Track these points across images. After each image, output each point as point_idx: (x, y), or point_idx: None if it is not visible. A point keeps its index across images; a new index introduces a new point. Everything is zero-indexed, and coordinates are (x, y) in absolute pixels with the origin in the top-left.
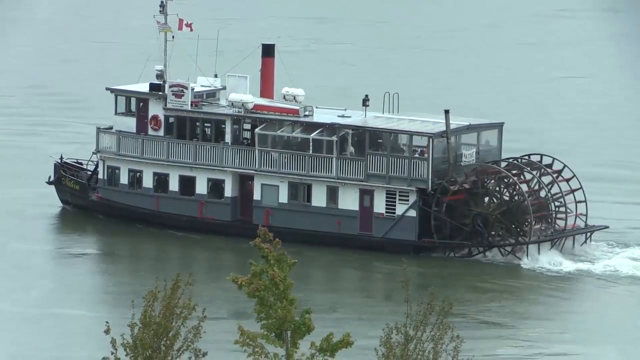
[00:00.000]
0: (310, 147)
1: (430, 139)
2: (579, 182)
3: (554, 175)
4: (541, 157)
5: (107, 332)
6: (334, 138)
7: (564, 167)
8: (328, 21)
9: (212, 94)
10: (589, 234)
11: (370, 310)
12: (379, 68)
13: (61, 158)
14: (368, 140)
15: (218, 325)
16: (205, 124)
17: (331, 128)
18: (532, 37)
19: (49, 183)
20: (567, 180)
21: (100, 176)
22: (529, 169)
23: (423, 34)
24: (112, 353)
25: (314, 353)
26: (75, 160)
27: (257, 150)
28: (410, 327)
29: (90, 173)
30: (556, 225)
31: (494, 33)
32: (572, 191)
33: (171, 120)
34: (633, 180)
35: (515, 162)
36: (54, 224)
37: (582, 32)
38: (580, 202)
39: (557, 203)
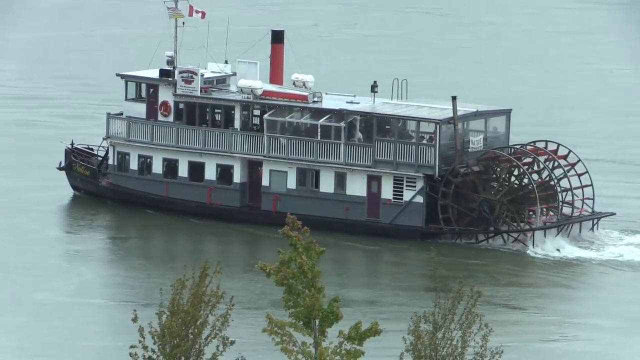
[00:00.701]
0: (319, 133)
1: (438, 125)
2: (585, 166)
3: (560, 161)
4: (546, 144)
5: (134, 320)
6: (342, 124)
7: (569, 152)
8: (365, 9)
9: (222, 80)
10: (595, 221)
11: (383, 296)
12: (406, 56)
13: (72, 144)
14: (376, 127)
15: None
16: (216, 110)
17: (339, 114)
18: (565, 26)
19: (60, 169)
20: (573, 165)
21: (110, 162)
22: (534, 155)
23: (463, 23)
24: (140, 341)
25: (342, 341)
26: (86, 146)
27: (265, 136)
28: (439, 315)
29: (100, 159)
30: (563, 211)
31: (533, 22)
32: (578, 175)
33: (181, 106)
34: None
35: (521, 148)
36: (64, 211)
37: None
38: (586, 186)
39: (563, 189)
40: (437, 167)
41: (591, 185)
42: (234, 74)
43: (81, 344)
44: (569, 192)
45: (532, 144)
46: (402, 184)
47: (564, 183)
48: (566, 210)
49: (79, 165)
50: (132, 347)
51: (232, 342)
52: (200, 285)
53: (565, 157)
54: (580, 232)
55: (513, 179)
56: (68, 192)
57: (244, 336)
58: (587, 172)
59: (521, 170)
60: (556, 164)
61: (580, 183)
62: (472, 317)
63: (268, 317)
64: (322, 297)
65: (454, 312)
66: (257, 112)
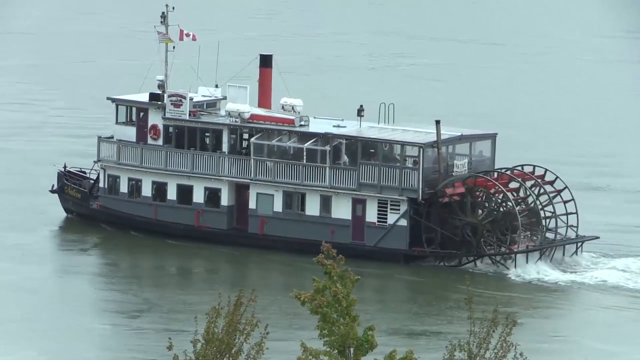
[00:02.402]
0: (304, 157)
1: (421, 149)
2: (571, 193)
3: (545, 186)
4: (534, 168)
5: (169, 348)
6: (327, 148)
7: (556, 179)
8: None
9: (212, 104)
10: (579, 244)
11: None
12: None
13: (65, 167)
14: (360, 150)
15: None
16: (207, 134)
17: (325, 138)
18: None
19: (52, 192)
20: (559, 192)
21: (101, 185)
22: (519, 179)
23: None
24: None
25: None
26: (79, 169)
27: (252, 160)
28: (474, 344)
29: (92, 182)
30: (546, 236)
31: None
32: (564, 202)
33: (171, 129)
34: (625, 190)
35: (506, 172)
36: (55, 234)
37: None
38: (571, 213)
39: (547, 213)
40: (420, 190)
41: (576, 212)
42: (225, 98)
43: None
44: (553, 216)
45: (518, 167)
46: (387, 207)
47: (548, 206)
48: (550, 234)
49: (71, 188)
50: None
51: None
52: (235, 314)
53: (552, 183)
54: (563, 255)
55: (495, 202)
56: (61, 215)
57: None
58: (572, 199)
59: (503, 193)
60: (539, 187)
61: (566, 210)
62: (507, 345)
63: (302, 346)
64: (357, 325)
65: (488, 340)
66: (247, 136)
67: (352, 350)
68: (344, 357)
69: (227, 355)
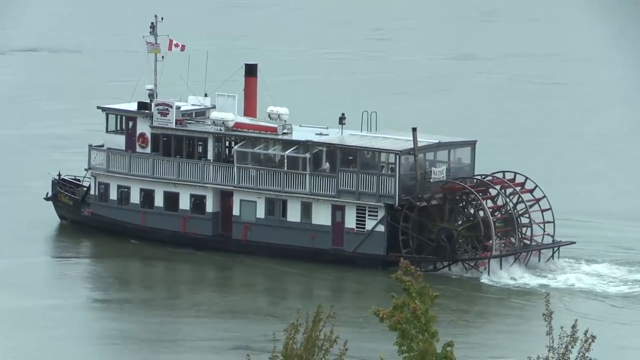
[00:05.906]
0: (285, 164)
1: (397, 156)
2: (547, 198)
3: (521, 191)
4: (513, 175)
5: None
6: (307, 155)
7: (530, 185)
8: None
9: (201, 113)
10: (555, 249)
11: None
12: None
13: (59, 175)
14: (340, 157)
15: None
16: (198, 142)
17: (305, 145)
18: None
19: (47, 199)
20: (538, 200)
21: (91, 192)
22: (495, 185)
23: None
24: None
25: None
26: (73, 177)
27: (235, 167)
28: None
29: (86, 189)
30: (523, 241)
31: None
32: (539, 205)
33: (162, 138)
34: (603, 197)
35: (482, 179)
36: (49, 240)
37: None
38: (548, 221)
39: (523, 219)
40: (397, 197)
41: (552, 219)
42: (214, 107)
43: None
44: (528, 221)
45: (495, 174)
46: (365, 214)
47: (524, 212)
48: (526, 239)
49: (64, 195)
50: None
51: None
52: (313, 330)
53: (525, 187)
54: (539, 260)
55: (470, 208)
56: (55, 221)
57: None
58: (548, 205)
59: (478, 199)
60: (515, 192)
61: (542, 215)
62: None
63: None
64: (436, 341)
65: (567, 357)
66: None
67: None
68: None
69: None
